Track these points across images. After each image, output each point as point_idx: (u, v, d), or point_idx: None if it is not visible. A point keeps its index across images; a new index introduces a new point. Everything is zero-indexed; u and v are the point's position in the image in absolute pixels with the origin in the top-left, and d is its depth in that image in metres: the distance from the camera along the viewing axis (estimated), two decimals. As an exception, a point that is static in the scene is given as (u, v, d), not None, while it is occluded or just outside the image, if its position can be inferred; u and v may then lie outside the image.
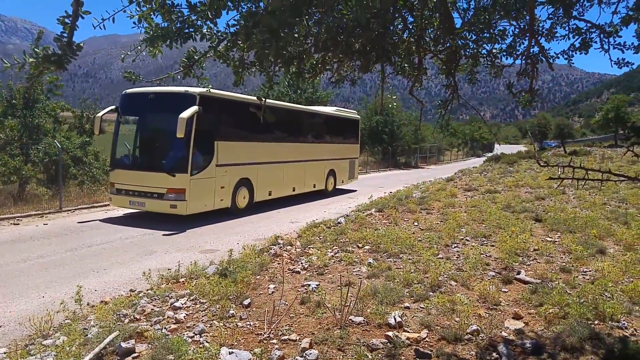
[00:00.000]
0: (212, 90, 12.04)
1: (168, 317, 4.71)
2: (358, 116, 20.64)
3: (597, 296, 5.08)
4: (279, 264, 6.72)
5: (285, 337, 4.20)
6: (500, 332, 4.43)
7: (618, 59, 4.42)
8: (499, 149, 56.72)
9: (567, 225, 9.22)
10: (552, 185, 15.15)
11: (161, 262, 7.55)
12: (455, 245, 7.91)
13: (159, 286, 5.86)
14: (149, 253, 8.19)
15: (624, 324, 4.57)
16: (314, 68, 4.30)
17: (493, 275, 6.21)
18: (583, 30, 4.39)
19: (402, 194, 14.73)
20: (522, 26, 4.51)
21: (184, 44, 3.42)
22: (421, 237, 8.43)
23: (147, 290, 5.72)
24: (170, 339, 3.97)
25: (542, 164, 2.98)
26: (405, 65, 4.51)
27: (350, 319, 4.53)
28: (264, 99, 4.29)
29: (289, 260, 7.02)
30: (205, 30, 3.39)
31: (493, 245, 7.89)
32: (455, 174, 22.66)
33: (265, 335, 4.24)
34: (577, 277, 6.13)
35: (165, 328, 4.41)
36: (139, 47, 3.45)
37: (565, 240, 7.99)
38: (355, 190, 18.96)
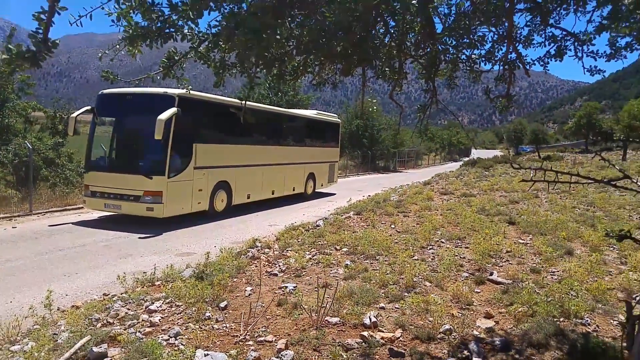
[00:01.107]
0: (191, 92, 11.97)
1: (143, 320, 4.67)
2: (338, 120, 20.76)
3: (564, 295, 5.25)
4: (256, 266, 6.72)
5: (262, 339, 4.22)
6: (472, 330, 4.54)
7: (591, 66, 4.57)
8: (475, 153, 57.74)
9: (539, 227, 9.46)
10: (526, 189, 15.52)
11: (137, 265, 7.47)
12: (431, 247, 8.04)
13: (134, 290, 5.80)
14: (124, 256, 8.08)
15: (587, 320, 4.76)
16: (296, 70, 4.34)
17: (466, 276, 6.34)
18: (558, 38, 4.54)
19: (380, 197, 14.88)
20: (500, 32, 4.65)
21: (165, 44, 3.41)
22: (398, 239, 8.54)
23: (122, 293, 5.66)
24: (145, 342, 3.94)
25: (515, 166, 3.09)
26: (386, 69, 4.58)
27: (327, 320, 4.58)
28: (244, 101, 4.30)
29: (266, 263, 7.03)
30: (187, 31, 3.38)
31: (467, 247, 8.05)
32: (433, 177, 22.98)
33: (241, 337, 4.24)
34: (545, 277, 6.32)
35: (139, 331, 4.37)
36: (118, 46, 3.42)
37: (537, 242, 8.20)
38: (335, 194, 19.05)
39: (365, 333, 4.27)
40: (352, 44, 3.72)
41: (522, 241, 8.60)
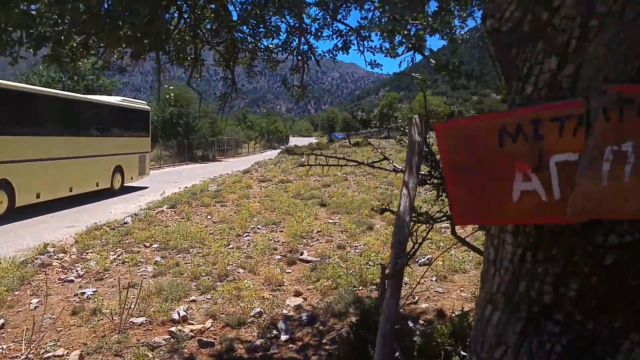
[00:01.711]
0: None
1: None
2: (148, 107, 19.33)
3: (362, 266, 5.91)
4: (46, 274, 5.85)
5: (49, 354, 3.71)
6: (282, 310, 4.77)
7: (371, 60, 5.17)
8: (293, 141, 60.69)
9: (346, 207, 10.43)
10: (337, 174, 16.89)
11: None
12: (247, 234, 8.17)
13: None
14: None
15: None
16: (74, 52, 3.85)
17: (279, 259, 6.63)
18: (344, 33, 4.99)
19: (197, 188, 14.47)
20: (292, 24, 4.88)
21: None
22: (213, 229, 8.45)
23: None
24: None
25: (290, 153, 3.31)
26: (182, 55, 4.39)
27: (131, 322, 4.26)
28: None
29: (60, 269, 6.17)
30: None
31: (282, 231, 8.41)
32: (252, 166, 23.33)
33: (22, 357, 3.65)
34: (349, 252, 7.00)
35: None
36: None
37: (344, 221, 9.03)
38: (147, 187, 17.79)
39: (173, 329, 4.11)
40: (139, 27, 3.45)
41: (332, 221, 9.36)
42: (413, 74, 2.10)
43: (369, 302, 4.85)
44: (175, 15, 3.87)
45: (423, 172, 1.88)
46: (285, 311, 4.74)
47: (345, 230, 8.39)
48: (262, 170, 20.55)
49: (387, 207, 2.16)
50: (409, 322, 4.39)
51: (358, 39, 5.03)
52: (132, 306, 4.41)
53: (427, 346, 2.50)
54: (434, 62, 2.02)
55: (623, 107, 0.78)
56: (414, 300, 5.08)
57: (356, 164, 2.13)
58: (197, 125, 35.50)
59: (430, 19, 1.99)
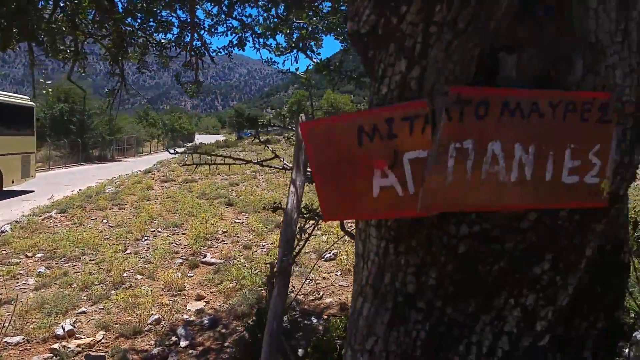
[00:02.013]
0: None
1: None
2: (32, 103, 17.42)
3: (268, 265, 5.86)
4: None
5: None
6: (182, 315, 4.59)
7: (268, 57, 5.14)
8: (199, 138, 58.62)
9: (254, 206, 10.28)
10: (246, 172, 16.62)
11: None
12: (146, 238, 7.73)
13: None
14: None
15: (284, 283, 5.46)
16: None
17: (181, 263, 6.37)
18: (238, 29, 4.90)
19: (92, 190, 13.41)
20: (184, 19, 4.68)
21: None
22: (109, 234, 7.87)
23: None
24: None
25: (171, 152, 3.21)
26: (60, 47, 4.00)
27: (5, 342, 3.82)
28: None
29: None
30: None
31: (184, 233, 8.09)
32: (154, 165, 22.15)
33: None
34: (256, 251, 6.93)
35: None
36: None
37: (251, 220, 8.90)
38: (33, 191, 16.05)
39: (56, 345, 3.76)
40: (6, 15, 3.08)
41: (238, 220, 9.18)
42: (299, 73, 2.13)
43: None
44: (50, 3, 3.50)
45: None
46: (186, 316, 4.56)
47: (252, 230, 8.29)
48: (164, 170, 19.59)
49: (279, 205, 2.16)
50: (313, 318, 4.47)
51: (253, 36, 4.98)
52: (7, 324, 3.95)
53: (320, 342, 2.55)
54: (316, 62, 2.06)
55: (463, 107, 0.85)
56: (319, 296, 5.18)
57: (244, 162, 2.10)
58: (92, 124, 32.89)
59: (315, 19, 2.02)
